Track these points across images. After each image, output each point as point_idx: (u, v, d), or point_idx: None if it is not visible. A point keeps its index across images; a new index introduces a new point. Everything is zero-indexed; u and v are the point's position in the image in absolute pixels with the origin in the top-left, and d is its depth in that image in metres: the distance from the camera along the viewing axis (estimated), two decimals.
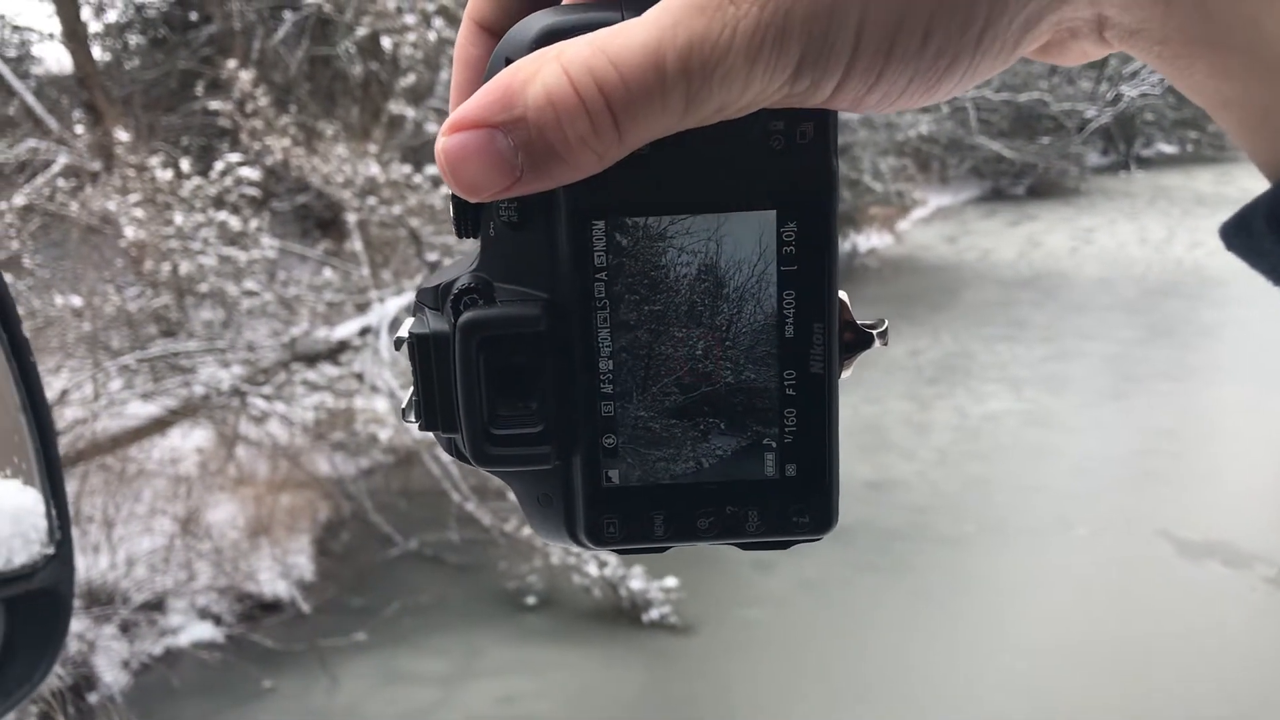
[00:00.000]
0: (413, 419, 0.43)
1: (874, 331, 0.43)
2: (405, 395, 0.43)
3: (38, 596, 0.87)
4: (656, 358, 0.40)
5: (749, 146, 0.39)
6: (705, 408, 0.41)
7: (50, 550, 0.87)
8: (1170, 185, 20.46)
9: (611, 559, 6.57)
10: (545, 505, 0.43)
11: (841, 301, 0.42)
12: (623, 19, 0.35)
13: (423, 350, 0.41)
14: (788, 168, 0.39)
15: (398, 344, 0.42)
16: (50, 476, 0.90)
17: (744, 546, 0.43)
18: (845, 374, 0.43)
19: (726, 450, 0.41)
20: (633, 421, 0.41)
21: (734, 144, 0.39)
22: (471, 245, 0.42)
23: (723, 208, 0.39)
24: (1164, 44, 0.36)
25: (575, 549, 0.45)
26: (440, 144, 0.35)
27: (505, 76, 0.35)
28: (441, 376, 0.41)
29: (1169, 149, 23.86)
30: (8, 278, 0.87)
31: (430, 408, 0.41)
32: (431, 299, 0.41)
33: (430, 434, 0.43)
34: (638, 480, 0.41)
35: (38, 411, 0.90)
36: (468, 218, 0.40)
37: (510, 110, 0.34)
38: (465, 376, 0.40)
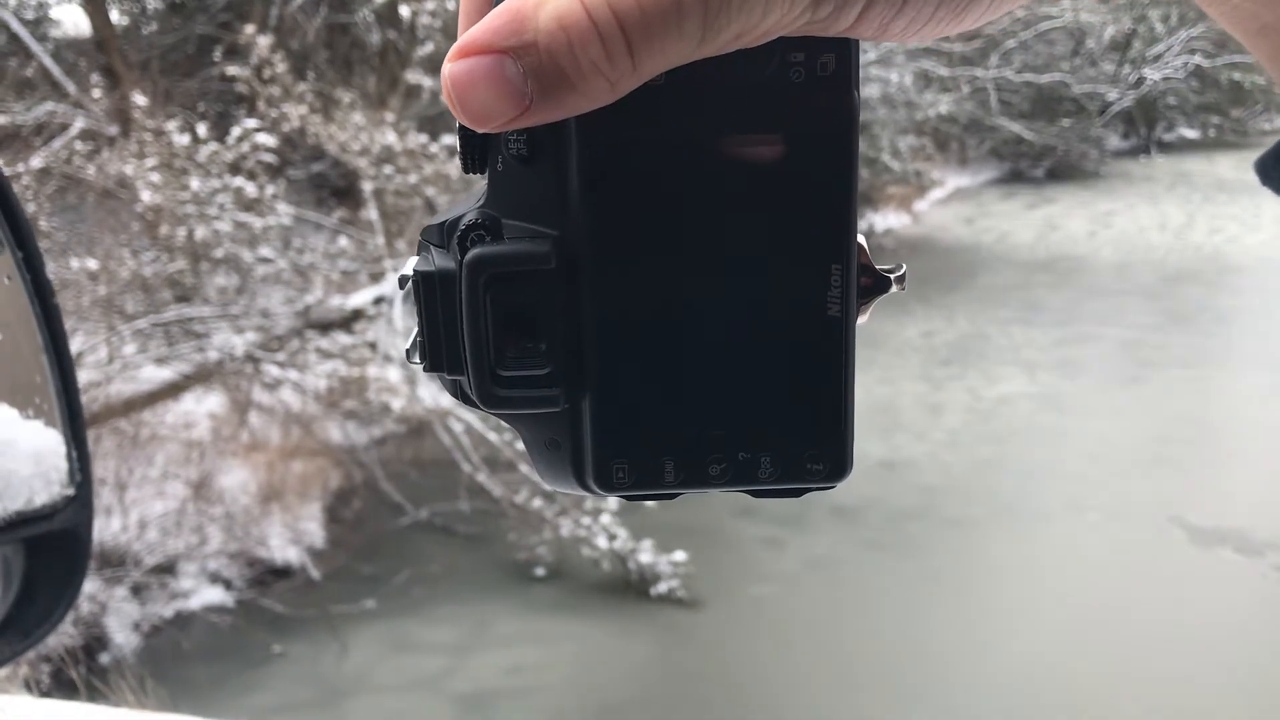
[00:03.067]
0: (417, 360, 0.41)
1: (891, 275, 0.42)
2: (410, 336, 0.42)
3: (58, 537, 0.87)
4: (676, 298, 0.39)
5: (768, 79, 0.37)
6: (724, 350, 0.39)
7: (70, 492, 0.87)
8: (1191, 170, 20.32)
9: (621, 531, 6.59)
10: (553, 450, 0.41)
11: (859, 245, 0.40)
12: None
13: (428, 288, 0.39)
14: (808, 99, 0.37)
15: (402, 282, 0.41)
16: (71, 419, 0.89)
17: (756, 494, 0.42)
18: (862, 319, 0.41)
19: (741, 395, 0.40)
20: (651, 363, 0.39)
21: (753, 76, 0.37)
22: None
23: (739, 140, 0.38)
24: None
25: (583, 495, 0.43)
26: (446, 70, 0.34)
27: (516, 0, 0.33)
28: (447, 316, 0.39)
29: (1191, 134, 23.68)
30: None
31: (435, 348, 0.40)
32: (437, 236, 0.40)
33: (435, 376, 0.41)
34: (649, 425, 0.40)
35: (60, 354, 0.89)
36: (475, 151, 0.39)
37: (520, 35, 0.33)
38: (472, 316, 0.38)
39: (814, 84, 0.37)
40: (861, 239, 0.40)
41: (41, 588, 0.89)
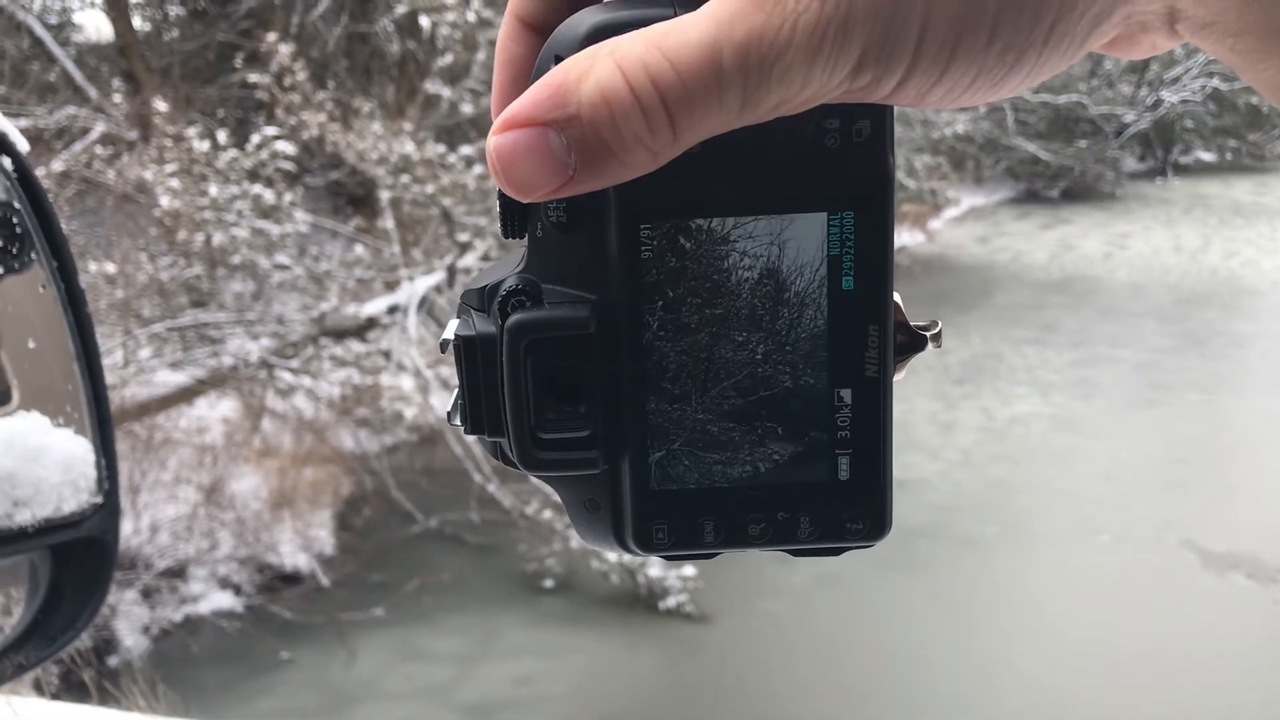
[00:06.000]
0: (458, 422, 0.42)
1: (927, 334, 0.43)
2: (450, 398, 0.42)
3: (84, 545, 0.87)
4: (716, 361, 0.39)
5: (804, 145, 0.38)
6: (763, 411, 0.40)
7: (98, 500, 0.87)
8: (1208, 193, 20.26)
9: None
10: (593, 510, 0.42)
11: (895, 303, 0.41)
12: (675, 14, 0.34)
13: (469, 352, 0.40)
14: (843, 167, 0.38)
15: (443, 346, 0.41)
16: (100, 427, 0.90)
17: (795, 553, 0.43)
18: (898, 376, 0.42)
19: (783, 455, 0.41)
20: (690, 424, 0.40)
21: (788, 142, 0.38)
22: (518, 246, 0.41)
23: (776, 209, 0.38)
24: (1238, 37, 0.35)
25: (623, 555, 0.43)
26: (491, 143, 0.34)
27: (558, 74, 0.34)
28: (488, 379, 0.40)
29: (1208, 157, 23.63)
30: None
31: (476, 411, 0.41)
32: (477, 300, 0.41)
33: (477, 439, 0.42)
34: (689, 484, 0.41)
35: (91, 363, 0.90)
36: (515, 218, 0.39)
37: (563, 108, 0.33)
38: (512, 380, 0.39)
39: (850, 150, 0.38)
40: (897, 297, 0.41)
41: (67, 594, 0.89)
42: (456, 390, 0.42)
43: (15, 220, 0.84)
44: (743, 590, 6.51)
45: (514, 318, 0.39)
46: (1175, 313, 12.61)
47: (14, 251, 0.85)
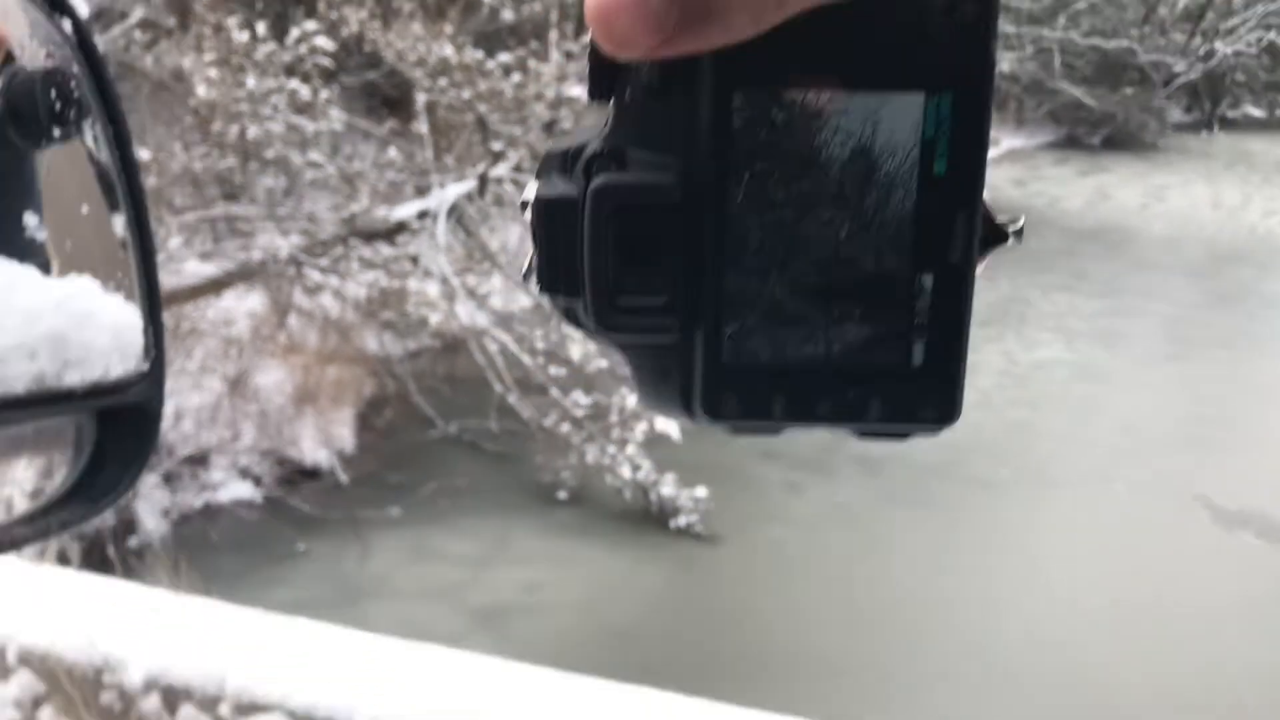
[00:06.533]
0: (534, 284, 0.41)
1: (1010, 229, 0.42)
2: (525, 260, 0.42)
3: (129, 411, 0.88)
4: (799, 238, 0.39)
5: (908, 23, 0.37)
6: (842, 291, 0.39)
7: (145, 367, 0.88)
8: (1252, 150, 19.87)
9: (645, 462, 6.64)
10: (661, 377, 0.42)
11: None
12: None
13: (549, 214, 0.39)
14: (947, 48, 0.37)
15: (523, 207, 0.40)
16: (149, 294, 0.91)
17: (861, 434, 0.42)
18: (980, 268, 0.41)
19: (858, 336, 0.40)
20: (768, 300, 0.40)
21: (892, 19, 0.37)
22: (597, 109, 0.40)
23: (875, 86, 0.37)
24: None
25: (689, 423, 0.44)
26: None
27: None
28: (566, 242, 0.39)
29: (1256, 112, 23.12)
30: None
31: (553, 272, 0.40)
32: (560, 163, 0.40)
33: (549, 299, 0.41)
34: (762, 359, 0.40)
35: (142, 231, 0.91)
36: (605, 78, 0.38)
37: None
38: (593, 243, 0.39)
39: (955, 31, 0.37)
40: (986, 191, 0.40)
41: (110, 459, 0.90)
42: (531, 253, 0.41)
43: (73, 84, 0.85)
44: (753, 517, 6.57)
45: (598, 180, 0.38)
46: (1209, 268, 12.47)
47: (71, 116, 0.86)
